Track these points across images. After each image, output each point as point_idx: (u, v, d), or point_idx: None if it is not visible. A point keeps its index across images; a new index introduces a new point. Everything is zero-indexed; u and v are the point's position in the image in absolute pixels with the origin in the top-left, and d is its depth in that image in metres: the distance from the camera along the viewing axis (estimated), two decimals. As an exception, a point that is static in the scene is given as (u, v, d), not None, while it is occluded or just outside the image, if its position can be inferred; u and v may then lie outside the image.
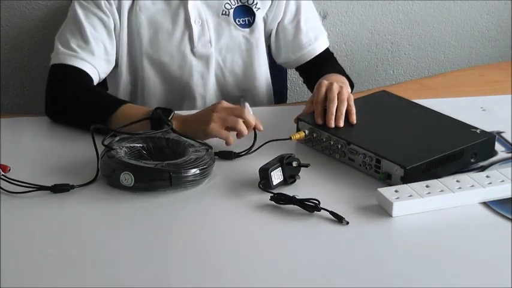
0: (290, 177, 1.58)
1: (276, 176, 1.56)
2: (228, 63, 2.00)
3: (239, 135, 1.67)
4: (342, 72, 2.03)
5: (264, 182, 1.55)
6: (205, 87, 1.99)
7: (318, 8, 2.69)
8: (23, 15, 2.50)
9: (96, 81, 1.90)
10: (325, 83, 1.77)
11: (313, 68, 2.05)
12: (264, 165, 1.56)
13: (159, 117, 1.68)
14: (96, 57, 1.89)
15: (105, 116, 1.74)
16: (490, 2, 2.84)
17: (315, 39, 2.04)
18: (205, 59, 1.97)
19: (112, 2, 1.90)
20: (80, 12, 1.89)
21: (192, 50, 1.96)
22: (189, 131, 1.67)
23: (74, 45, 1.87)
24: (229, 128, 1.67)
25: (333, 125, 1.70)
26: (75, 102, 1.82)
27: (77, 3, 1.91)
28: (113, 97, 1.86)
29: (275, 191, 1.53)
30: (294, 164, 1.59)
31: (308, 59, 2.05)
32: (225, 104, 1.70)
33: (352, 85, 2.01)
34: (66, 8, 2.39)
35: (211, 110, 1.69)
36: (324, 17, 2.71)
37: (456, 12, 2.83)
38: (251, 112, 1.72)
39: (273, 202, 1.51)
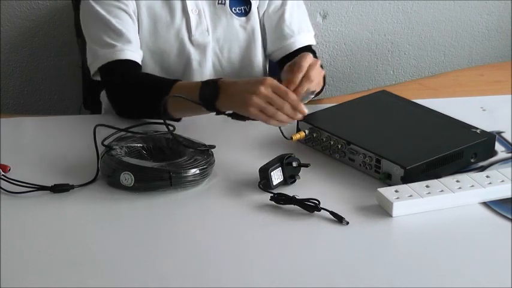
0: (290, 177, 1.58)
1: (276, 176, 1.56)
2: (225, 52, 2.00)
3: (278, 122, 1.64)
4: None
5: (264, 182, 1.55)
6: (202, 75, 1.99)
7: (318, 8, 2.70)
8: (23, 15, 2.50)
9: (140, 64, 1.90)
10: (310, 58, 1.71)
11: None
12: (264, 165, 1.56)
13: (208, 96, 1.67)
14: (134, 44, 1.89)
15: (162, 98, 1.70)
16: (490, 2, 2.84)
17: (298, 33, 2.01)
18: (202, 47, 1.97)
19: None
20: (100, 9, 1.89)
21: (190, 38, 1.96)
22: (230, 98, 1.65)
23: (109, 41, 1.87)
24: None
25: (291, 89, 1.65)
26: (133, 95, 1.82)
27: (92, 1, 1.90)
28: (164, 78, 1.85)
29: (275, 191, 1.53)
30: (294, 164, 1.59)
31: (289, 52, 2.01)
32: (272, 82, 1.63)
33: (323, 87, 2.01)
34: (66, 8, 2.39)
35: (258, 83, 1.62)
36: (324, 17, 2.71)
37: (456, 12, 2.83)
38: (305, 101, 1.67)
39: (273, 202, 1.51)
